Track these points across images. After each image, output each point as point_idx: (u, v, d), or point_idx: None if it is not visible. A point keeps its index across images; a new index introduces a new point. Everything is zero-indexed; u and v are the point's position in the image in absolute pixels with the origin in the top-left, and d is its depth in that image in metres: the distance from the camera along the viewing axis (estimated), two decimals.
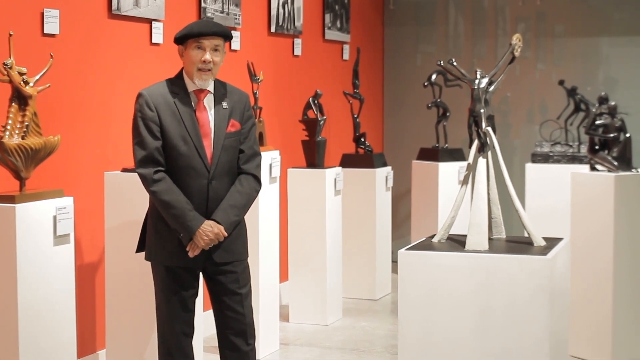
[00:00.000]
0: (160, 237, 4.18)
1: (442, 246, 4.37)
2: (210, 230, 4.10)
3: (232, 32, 4.39)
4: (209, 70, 4.14)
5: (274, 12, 7.27)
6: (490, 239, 4.40)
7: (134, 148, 4.13)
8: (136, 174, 4.12)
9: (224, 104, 4.21)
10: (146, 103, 4.11)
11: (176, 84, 4.19)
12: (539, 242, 4.36)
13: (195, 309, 4.32)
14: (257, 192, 4.29)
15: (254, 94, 6.09)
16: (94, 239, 5.36)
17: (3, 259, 4.01)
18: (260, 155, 4.33)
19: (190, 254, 4.13)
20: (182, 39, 4.17)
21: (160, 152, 4.11)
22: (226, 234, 4.14)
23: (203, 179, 4.14)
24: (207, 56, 4.12)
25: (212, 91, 4.21)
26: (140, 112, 4.12)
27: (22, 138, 4.15)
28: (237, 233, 4.24)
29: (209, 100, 4.21)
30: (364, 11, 9.03)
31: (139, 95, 4.16)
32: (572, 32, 8.85)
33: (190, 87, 4.18)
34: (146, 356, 4.99)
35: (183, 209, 4.07)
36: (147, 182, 4.10)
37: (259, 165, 4.31)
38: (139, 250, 4.34)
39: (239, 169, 4.24)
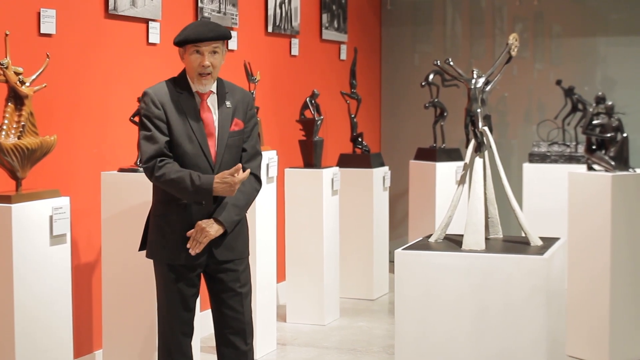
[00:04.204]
0: (163, 235, 4.16)
1: (439, 246, 4.37)
2: (225, 177, 4.03)
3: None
4: (209, 74, 4.12)
5: (271, 12, 7.26)
6: (487, 239, 4.40)
7: (142, 145, 4.09)
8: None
9: (227, 103, 4.20)
10: (152, 101, 4.09)
11: (180, 84, 4.17)
12: (535, 241, 4.37)
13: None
14: (258, 191, 4.29)
15: (251, 94, 6.08)
16: (90, 239, 5.36)
17: None
18: (261, 154, 4.32)
19: (192, 252, 4.10)
20: (181, 43, 4.14)
21: (167, 148, 4.08)
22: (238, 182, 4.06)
23: None
24: (206, 61, 4.09)
25: (215, 91, 4.20)
26: (147, 110, 4.09)
27: (19, 138, 4.14)
28: (239, 231, 4.22)
29: (212, 100, 4.19)
30: (361, 11, 9.02)
31: (145, 94, 4.13)
32: (569, 32, 8.86)
33: (194, 87, 4.17)
34: (143, 356, 4.98)
35: (191, 177, 4.02)
36: (151, 171, 4.05)
37: (259, 165, 4.30)
38: (141, 249, 4.32)
39: None
